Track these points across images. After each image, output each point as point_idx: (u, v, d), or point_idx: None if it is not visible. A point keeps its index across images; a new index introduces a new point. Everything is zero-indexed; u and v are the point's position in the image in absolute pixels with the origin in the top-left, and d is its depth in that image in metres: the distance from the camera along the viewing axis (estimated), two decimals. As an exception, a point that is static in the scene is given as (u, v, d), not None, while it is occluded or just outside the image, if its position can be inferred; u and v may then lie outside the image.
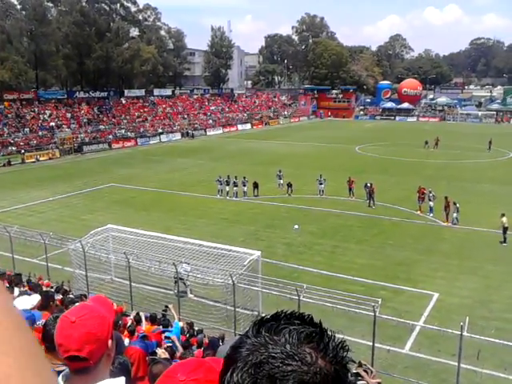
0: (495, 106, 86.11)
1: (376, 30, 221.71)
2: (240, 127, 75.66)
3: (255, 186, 31.04)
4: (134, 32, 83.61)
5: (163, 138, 62.56)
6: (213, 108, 80.00)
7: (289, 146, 54.98)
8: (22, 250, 18.98)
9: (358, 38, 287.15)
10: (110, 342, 1.85)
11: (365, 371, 3.58)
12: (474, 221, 24.60)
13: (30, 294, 7.50)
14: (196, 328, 12.41)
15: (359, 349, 12.10)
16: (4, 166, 44.49)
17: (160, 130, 64.20)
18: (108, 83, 73.67)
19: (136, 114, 66.39)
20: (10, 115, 54.03)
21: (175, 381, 1.32)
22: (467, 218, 24.54)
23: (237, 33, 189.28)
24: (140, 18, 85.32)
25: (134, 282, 15.69)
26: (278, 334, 0.94)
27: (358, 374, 3.51)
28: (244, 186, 30.91)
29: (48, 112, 57.53)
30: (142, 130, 62.70)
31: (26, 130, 52.46)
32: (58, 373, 2.03)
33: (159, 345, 8.75)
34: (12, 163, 45.33)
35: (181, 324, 11.84)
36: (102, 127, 59.08)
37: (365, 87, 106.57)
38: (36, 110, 56.98)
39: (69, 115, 58.82)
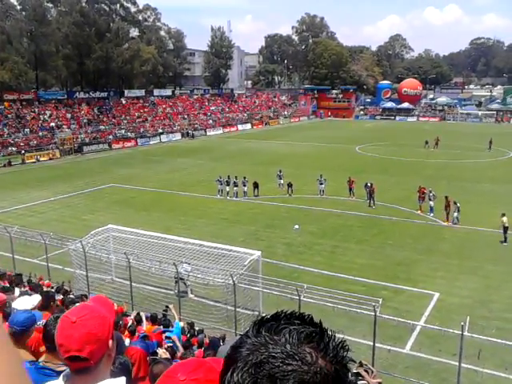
0: (495, 106, 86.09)
1: (376, 30, 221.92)
2: (240, 127, 75.66)
3: (255, 185, 31.03)
4: (134, 32, 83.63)
5: (163, 138, 62.57)
6: (213, 108, 80.00)
7: (289, 146, 54.98)
8: (22, 250, 18.99)
9: (358, 38, 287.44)
10: (110, 342, 1.85)
11: (365, 371, 3.58)
12: (474, 220, 24.60)
13: (30, 295, 7.50)
14: (197, 328, 12.41)
15: (360, 349, 12.10)
16: (4, 166, 44.50)
17: (160, 131, 64.20)
18: (108, 83, 73.68)
19: (136, 114, 66.40)
20: (10, 116, 54.05)
21: (175, 381, 1.32)
22: (467, 217, 24.53)
23: (237, 33, 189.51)
24: (140, 18, 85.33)
25: (134, 282, 15.69)
26: (278, 334, 0.94)
27: (358, 374, 3.51)
28: (244, 186, 30.91)
29: (48, 112, 57.55)
30: (142, 130, 62.71)
31: (27, 130, 52.47)
32: (59, 373, 2.04)
33: (160, 345, 8.75)
34: (12, 164, 45.34)
35: (181, 324, 11.85)
36: (102, 127, 59.09)
37: (365, 87, 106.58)
38: (36, 110, 56.99)
39: (69, 115, 58.84)
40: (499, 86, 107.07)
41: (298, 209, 28.14)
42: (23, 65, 59.92)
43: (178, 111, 73.58)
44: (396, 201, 29.01)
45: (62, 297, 10.98)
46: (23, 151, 47.60)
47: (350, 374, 0.98)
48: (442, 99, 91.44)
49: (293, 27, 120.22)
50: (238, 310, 14.03)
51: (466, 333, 10.88)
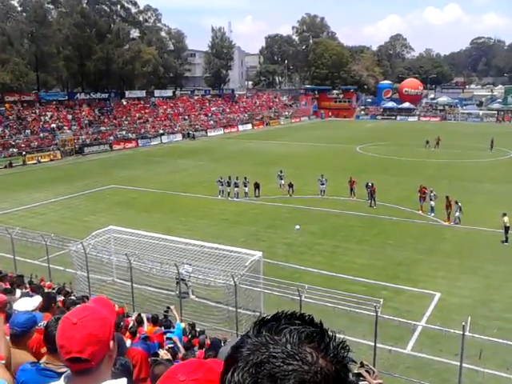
0: (496, 106, 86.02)
1: (376, 30, 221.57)
2: (241, 128, 75.68)
3: (256, 186, 31.04)
4: (135, 33, 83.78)
5: (164, 139, 62.60)
6: (214, 109, 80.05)
7: (290, 147, 54.98)
8: (23, 251, 19.01)
9: (358, 37, 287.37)
10: (111, 343, 1.85)
11: (367, 371, 3.58)
12: (475, 220, 24.58)
13: (31, 296, 7.50)
14: (198, 329, 12.41)
15: (361, 349, 12.10)
16: (5, 167, 44.55)
17: (161, 131, 64.24)
18: (109, 84, 73.76)
19: (137, 115, 66.45)
20: (11, 117, 54.12)
21: (176, 381, 1.33)
22: (468, 217, 24.51)
23: (237, 33, 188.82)
24: (140, 19, 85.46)
25: (135, 284, 15.69)
26: (278, 334, 0.95)
27: (359, 375, 3.51)
28: (245, 186, 30.92)
29: (49, 114, 57.61)
30: (142, 131, 62.75)
31: (27, 131, 52.52)
32: (60, 374, 2.04)
33: (161, 346, 8.75)
34: (13, 165, 45.40)
35: (183, 325, 11.85)
36: (102, 128, 59.13)
37: (365, 87, 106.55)
38: (37, 111, 57.05)
39: (70, 117, 58.90)
40: (500, 86, 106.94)
41: (299, 209, 28.13)
42: (24, 66, 60.02)
43: (179, 112, 73.62)
44: (397, 201, 28.99)
45: (63, 298, 10.99)
46: (24, 152, 47.67)
47: (350, 375, 0.98)
48: (443, 99, 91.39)
49: (293, 27, 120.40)
50: (239, 310, 14.03)
51: (467, 333, 10.87)
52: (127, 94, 70.63)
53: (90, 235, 17.53)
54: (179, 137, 64.87)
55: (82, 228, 22.95)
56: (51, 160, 48.70)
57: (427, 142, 50.87)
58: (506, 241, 21.78)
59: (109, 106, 65.54)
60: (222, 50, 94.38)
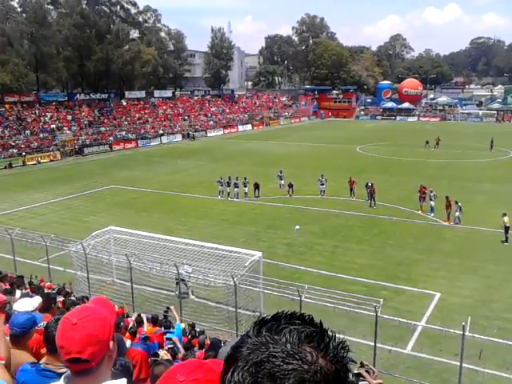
0: (496, 106, 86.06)
1: (376, 30, 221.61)
2: (241, 128, 75.70)
3: (256, 186, 31.04)
4: (134, 34, 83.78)
5: (164, 139, 62.62)
6: (213, 109, 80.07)
7: (289, 147, 54.99)
8: (23, 252, 19.01)
9: (358, 38, 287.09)
10: (111, 343, 1.85)
11: (367, 371, 3.58)
12: (475, 220, 24.58)
13: (31, 296, 7.50)
14: (198, 329, 12.42)
15: (361, 349, 12.10)
16: (5, 168, 44.55)
17: (161, 132, 64.26)
18: (108, 85, 73.78)
19: (137, 115, 66.47)
20: (10, 118, 54.14)
21: (175, 381, 1.33)
22: (468, 217, 24.52)
23: (237, 34, 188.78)
24: (140, 19, 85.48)
25: (135, 284, 15.69)
26: (278, 334, 0.95)
27: (359, 375, 3.51)
28: (245, 186, 30.93)
29: (49, 114, 57.63)
30: (142, 131, 62.76)
31: (27, 132, 52.53)
32: (60, 374, 2.04)
33: (161, 346, 8.75)
34: (13, 165, 45.40)
35: (182, 325, 11.85)
36: (102, 129, 59.15)
37: (365, 87, 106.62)
38: (37, 112, 57.06)
39: (70, 117, 58.90)
40: (500, 86, 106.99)
41: (299, 209, 28.14)
42: (24, 67, 60.00)
43: (179, 112, 73.64)
44: (396, 201, 29.00)
45: (63, 299, 10.99)
46: (24, 153, 47.68)
47: (350, 374, 0.98)
48: (443, 99, 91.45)
49: (293, 28, 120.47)
50: (238, 310, 14.02)
51: (467, 333, 10.87)
52: (127, 94, 70.64)
53: (89, 236, 17.53)
54: (179, 137, 64.88)
55: (82, 228, 22.95)
56: (51, 161, 48.70)
57: (427, 142, 50.89)
58: (506, 241, 21.78)
59: (108, 106, 65.55)
60: (221, 51, 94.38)
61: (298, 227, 23.92)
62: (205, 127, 71.58)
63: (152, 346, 8.13)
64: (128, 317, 11.48)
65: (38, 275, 15.75)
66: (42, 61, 62.42)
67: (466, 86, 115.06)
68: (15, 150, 48.31)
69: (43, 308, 6.07)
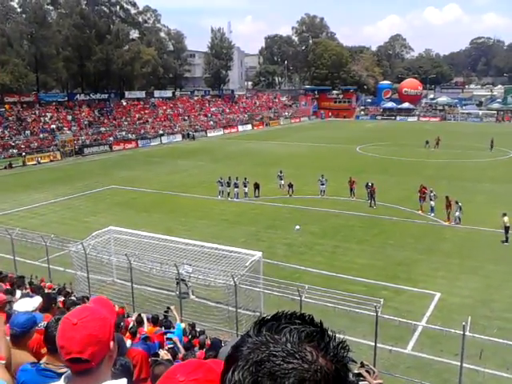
0: (496, 105, 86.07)
1: (376, 30, 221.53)
2: (241, 128, 75.71)
3: (256, 186, 31.05)
4: (134, 34, 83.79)
5: (164, 139, 62.64)
6: (213, 109, 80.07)
7: (289, 147, 55.00)
8: (23, 252, 19.01)
9: (358, 38, 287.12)
10: (111, 343, 1.85)
11: (367, 371, 3.58)
12: (475, 220, 24.58)
13: (31, 296, 7.50)
14: (198, 329, 12.42)
15: (361, 349, 12.10)
16: (5, 168, 44.57)
17: (161, 132, 64.27)
18: (108, 85, 73.79)
19: (137, 115, 66.48)
20: (10, 118, 54.14)
21: (175, 381, 1.33)
22: (468, 217, 24.52)
23: (237, 34, 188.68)
24: (140, 20, 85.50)
25: (135, 284, 15.69)
26: (278, 333, 0.95)
27: (359, 375, 3.50)
28: (245, 186, 30.93)
29: (49, 114, 57.64)
30: (142, 131, 62.77)
31: (27, 132, 52.54)
32: (60, 374, 2.04)
33: (161, 346, 8.75)
34: (13, 166, 45.42)
35: (183, 325, 11.85)
36: (102, 129, 59.16)
37: (365, 87, 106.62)
38: (37, 112, 57.07)
39: (70, 117, 58.91)
40: (500, 86, 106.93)
41: (299, 209, 28.14)
42: (24, 67, 60.00)
43: (179, 112, 73.65)
44: (397, 201, 29.01)
45: (63, 299, 10.99)
46: (24, 153, 47.70)
47: (350, 374, 0.98)
48: (443, 99, 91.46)
49: (293, 28, 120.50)
50: (239, 310, 14.03)
51: (467, 333, 10.87)
52: (127, 94, 70.64)
53: (89, 236, 17.54)
54: (179, 137, 64.90)
55: (82, 228, 22.95)
56: (51, 161, 48.72)
57: (427, 142, 50.88)
58: (506, 241, 21.78)
59: (108, 106, 65.57)
60: (221, 51, 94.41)
61: (297, 227, 23.93)
62: (205, 127, 71.58)
63: (152, 346, 8.13)
64: (128, 317, 11.48)
65: (38, 275, 15.74)
66: (42, 61, 62.44)
67: (466, 86, 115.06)
68: (15, 151, 48.33)
69: (43, 308, 6.07)
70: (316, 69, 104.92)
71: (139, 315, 10.91)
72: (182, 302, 14.93)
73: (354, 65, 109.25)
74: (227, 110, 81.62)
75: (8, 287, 10.23)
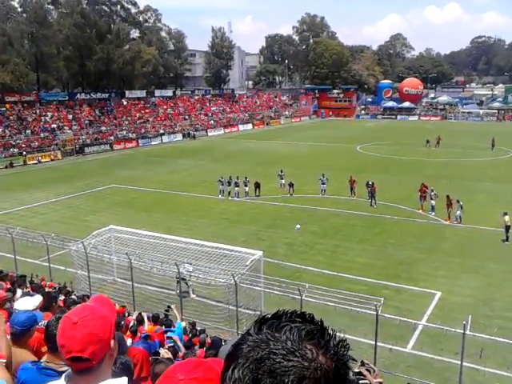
0: (497, 105, 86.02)
1: (376, 30, 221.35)
2: (241, 127, 75.72)
3: (257, 186, 31.05)
4: (135, 33, 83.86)
5: (164, 138, 62.65)
6: (214, 108, 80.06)
7: (290, 146, 54.99)
8: (24, 251, 19.02)
9: (358, 37, 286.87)
10: (112, 342, 1.85)
11: (367, 370, 3.58)
12: (475, 219, 24.58)
13: (32, 295, 7.51)
14: (198, 328, 12.43)
15: (361, 348, 12.09)
16: (6, 167, 44.60)
17: (161, 131, 64.27)
18: (109, 85, 73.79)
19: (137, 115, 66.49)
20: (11, 117, 54.17)
21: (175, 380, 1.33)
22: (469, 216, 24.52)
23: (237, 33, 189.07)
24: (140, 19, 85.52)
25: (136, 283, 15.70)
26: (279, 332, 0.95)
27: (360, 373, 3.51)
28: (245, 186, 30.94)
29: (49, 114, 57.65)
30: (143, 131, 62.78)
31: (28, 131, 52.56)
32: (61, 373, 2.04)
33: (162, 345, 8.76)
34: (14, 165, 45.45)
35: (183, 324, 11.87)
36: (103, 128, 59.18)
37: (366, 86, 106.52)
38: (37, 111, 57.10)
39: (70, 117, 58.93)
40: (500, 85, 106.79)
41: (300, 208, 28.14)
42: (24, 66, 60.04)
43: (179, 112, 73.65)
44: (397, 200, 29.00)
45: (63, 297, 11.00)
46: (25, 152, 47.72)
47: (350, 373, 0.99)
48: (443, 98, 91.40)
49: (293, 27, 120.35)
50: (239, 309, 14.04)
51: (467, 331, 10.87)
52: (127, 94, 70.66)
53: (90, 235, 17.56)
54: (179, 136, 64.91)
55: (83, 228, 22.97)
56: (52, 160, 48.75)
57: (428, 142, 50.85)
58: (507, 240, 21.78)
59: (109, 106, 65.58)
60: (222, 50, 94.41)
61: (298, 226, 23.93)
62: (205, 126, 71.59)
63: (153, 345, 8.13)
64: (129, 315, 11.49)
65: (38, 274, 15.78)
66: (43, 60, 62.46)
67: (467, 85, 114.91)
68: (16, 150, 48.36)
69: (44, 307, 6.07)
70: (316, 68, 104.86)
71: (140, 314, 10.92)
72: (183, 301, 14.95)
73: (355, 64, 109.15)
74: (228, 110, 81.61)
75: (9, 286, 10.25)
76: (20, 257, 18.48)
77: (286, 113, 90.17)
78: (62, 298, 10.76)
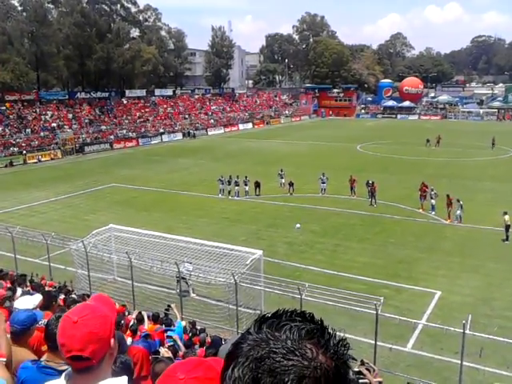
0: (497, 104, 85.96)
1: (377, 29, 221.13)
2: (241, 127, 75.70)
3: (257, 185, 31.05)
4: (135, 32, 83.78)
5: (165, 137, 62.63)
6: (214, 108, 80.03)
7: (290, 145, 54.98)
8: (24, 250, 19.02)
9: (358, 36, 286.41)
10: (112, 341, 1.85)
11: (367, 369, 3.58)
12: (475, 219, 24.58)
13: (32, 294, 7.51)
14: (198, 327, 12.44)
15: (361, 347, 12.09)
16: (6, 166, 44.59)
17: (161, 130, 64.26)
18: (109, 84, 73.79)
19: (137, 114, 66.46)
20: (11, 116, 54.15)
21: (175, 379, 1.33)
22: (469, 215, 24.52)
23: (237, 32, 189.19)
24: (140, 18, 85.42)
25: (136, 282, 15.71)
26: (279, 331, 0.95)
27: (360, 373, 3.51)
28: (246, 185, 30.94)
29: (49, 113, 57.64)
30: (143, 130, 62.77)
31: (28, 130, 52.56)
32: (61, 372, 2.04)
33: (162, 344, 8.77)
34: (14, 164, 45.45)
35: (183, 323, 11.88)
36: (103, 127, 59.17)
37: (366, 86, 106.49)
38: (37, 110, 57.08)
39: (70, 116, 58.92)
40: (501, 84, 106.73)
41: (300, 208, 28.14)
42: (24, 65, 60.03)
43: (179, 111, 73.62)
44: (397, 199, 29.00)
45: (63, 296, 11.01)
46: (25, 151, 47.72)
47: (350, 372, 0.99)
48: (444, 97, 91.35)
49: (293, 26, 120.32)
50: (239, 309, 14.05)
51: (467, 331, 10.87)
52: (127, 93, 70.63)
53: (90, 234, 17.57)
54: (179, 136, 64.89)
55: (83, 227, 22.96)
56: (52, 159, 48.76)
57: (428, 141, 50.83)
58: (507, 239, 21.78)
59: (109, 105, 65.56)
60: (222, 49, 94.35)
61: (298, 226, 23.93)
62: (205, 126, 71.57)
63: (153, 344, 8.14)
64: (129, 314, 11.50)
65: (38, 273, 15.78)
66: (43, 59, 62.42)
67: (467, 85, 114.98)
68: (16, 149, 48.36)
69: (44, 306, 6.07)
70: (316, 67, 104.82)
71: (140, 313, 10.92)
72: (183, 300, 14.95)
73: (355, 63, 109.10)
74: (228, 109, 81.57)
75: (9, 285, 10.25)
76: (20, 256, 18.49)
77: (286, 112, 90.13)
78: (62, 297, 10.76)
